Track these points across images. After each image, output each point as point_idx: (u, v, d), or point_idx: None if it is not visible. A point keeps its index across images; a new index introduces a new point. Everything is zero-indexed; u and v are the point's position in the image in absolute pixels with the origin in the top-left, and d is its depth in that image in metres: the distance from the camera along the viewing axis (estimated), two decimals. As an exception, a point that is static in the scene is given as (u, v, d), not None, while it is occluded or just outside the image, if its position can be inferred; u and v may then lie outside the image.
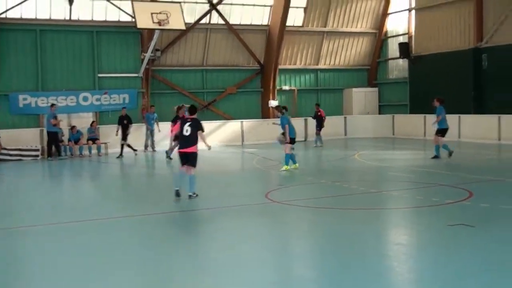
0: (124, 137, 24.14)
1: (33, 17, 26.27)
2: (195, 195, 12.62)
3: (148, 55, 27.20)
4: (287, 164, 17.41)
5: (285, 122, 17.43)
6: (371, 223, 10.16)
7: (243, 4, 30.50)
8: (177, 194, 12.58)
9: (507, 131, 24.76)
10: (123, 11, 27.25)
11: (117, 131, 24.07)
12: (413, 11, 31.75)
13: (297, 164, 17.69)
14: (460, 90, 28.01)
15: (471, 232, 9.10)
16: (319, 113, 26.76)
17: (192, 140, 12.58)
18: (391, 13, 33.52)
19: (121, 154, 23.62)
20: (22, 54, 25.94)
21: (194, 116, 12.99)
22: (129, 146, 24.19)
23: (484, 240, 8.64)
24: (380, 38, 33.93)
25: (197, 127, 12.64)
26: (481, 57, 27.57)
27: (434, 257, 7.83)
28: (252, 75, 31.55)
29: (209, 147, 13.12)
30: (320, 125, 26.57)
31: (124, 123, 24.16)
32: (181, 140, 12.80)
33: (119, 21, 27.83)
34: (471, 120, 26.67)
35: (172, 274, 7.52)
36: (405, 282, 7.05)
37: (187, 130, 12.60)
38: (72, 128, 24.90)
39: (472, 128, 26.40)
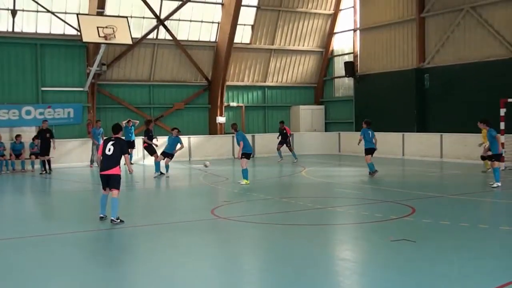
0: (47, 152, 23.05)
1: (-25, 28, 25.62)
2: (118, 220, 11.37)
3: (93, 69, 26.81)
4: (246, 178, 17.90)
5: (240, 139, 18.13)
6: (317, 239, 10.21)
7: (191, 20, 30.49)
8: (101, 219, 11.68)
9: (449, 148, 25.45)
10: (68, 24, 26.78)
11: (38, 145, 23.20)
12: (358, 31, 32.40)
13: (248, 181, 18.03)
14: (404, 108, 28.69)
15: (413, 247, 9.24)
16: (284, 130, 27.29)
17: (114, 161, 11.54)
18: (337, 33, 34.13)
19: (45, 170, 22.68)
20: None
21: (118, 135, 11.97)
22: (49, 163, 23.04)
23: (424, 255, 8.78)
24: (326, 57, 34.47)
25: (120, 148, 11.65)
26: (423, 77, 28.34)
27: (377, 272, 7.93)
28: (200, 91, 31.49)
29: (131, 172, 12.40)
30: (285, 141, 27.19)
31: (46, 136, 23.12)
32: (103, 160, 11.68)
33: (64, 34, 27.36)
34: (415, 138, 27.29)
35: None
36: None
37: (109, 149, 11.60)
38: (17, 137, 24.00)
39: (416, 146, 27.02)
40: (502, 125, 21.02)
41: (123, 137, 12.15)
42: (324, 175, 20.96)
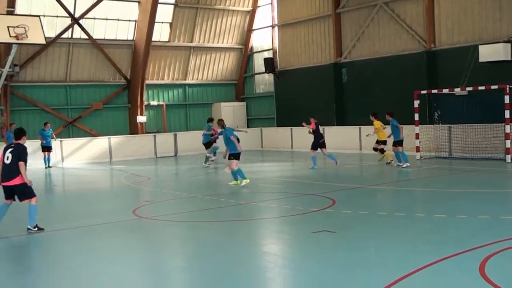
0: None
1: None
2: (36, 228, 10.63)
3: (5, 70, 25.79)
4: (245, 177, 16.16)
5: (231, 134, 16.16)
6: (239, 234, 10.24)
7: (107, 19, 29.88)
8: None
9: (368, 140, 26.08)
10: (-24, 24, 25.61)
11: None
12: (276, 28, 32.72)
13: (238, 182, 16.26)
14: (323, 103, 29.23)
15: (333, 237, 9.42)
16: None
17: (15, 170, 10.44)
18: (255, 29, 34.34)
19: None
20: None
21: (20, 141, 10.81)
22: None
23: (344, 244, 8.97)
24: (246, 54, 34.63)
25: (18, 155, 10.51)
26: (341, 71, 28.97)
27: (299, 264, 8.05)
28: (119, 90, 30.94)
29: (29, 182, 10.68)
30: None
31: None
32: (3, 170, 10.57)
33: (-28, 34, 26.14)
34: (334, 132, 27.82)
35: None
36: (271, 290, 7.16)
37: (8, 157, 10.51)
38: None
39: (335, 139, 27.52)
40: (416, 116, 21.82)
41: (24, 144, 10.77)
42: (247, 171, 20.96)
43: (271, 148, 30.69)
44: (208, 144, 22.73)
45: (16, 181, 10.49)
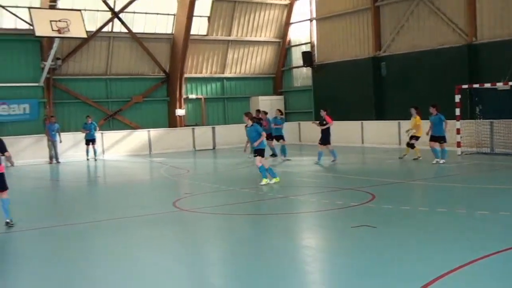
0: None
1: None
2: (12, 223, 10.74)
3: (48, 64, 26.34)
4: (265, 177, 15.28)
5: (261, 130, 15.40)
6: (279, 227, 10.27)
7: (146, 13, 30.18)
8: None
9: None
10: (20, 18, 26.18)
11: None
12: (314, 21, 32.57)
13: (267, 180, 15.35)
14: (362, 97, 29.02)
15: (373, 232, 9.38)
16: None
17: None
18: (293, 23, 34.24)
19: None
20: None
21: None
22: None
23: (384, 240, 8.92)
24: (284, 47, 34.56)
25: None
26: (380, 65, 28.69)
27: (338, 258, 8.03)
28: (158, 83, 31.24)
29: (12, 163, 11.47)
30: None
31: None
32: None
33: (16, 29, 26.75)
34: (373, 126, 27.60)
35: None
36: (310, 283, 7.19)
37: None
38: None
39: (374, 134, 27.35)
40: (457, 111, 21.45)
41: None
42: (285, 165, 21.04)
43: (309, 142, 30.60)
44: (279, 137, 22.26)
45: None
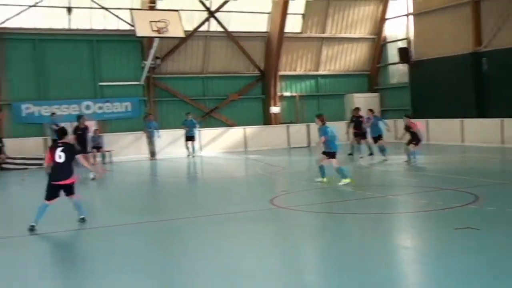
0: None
1: (33, 26, 26.31)
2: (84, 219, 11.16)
3: (148, 63, 27.25)
4: (323, 176, 15.45)
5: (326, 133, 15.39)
6: (377, 227, 10.13)
7: (242, 12, 30.56)
8: (32, 229, 10.54)
9: (510, 134, 24.70)
10: (121, 19, 27.29)
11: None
12: (411, 16, 31.80)
13: (325, 179, 15.41)
14: (462, 94, 28.01)
15: (478, 235, 9.05)
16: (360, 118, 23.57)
17: (69, 168, 10.93)
18: (389, 19, 33.57)
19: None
20: (24, 63, 26.01)
21: (65, 140, 11.28)
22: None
23: (488, 243, 8.60)
24: (379, 44, 33.97)
25: (70, 152, 11.02)
26: (480, 61, 27.59)
27: (440, 261, 7.80)
28: (253, 81, 31.56)
29: (100, 176, 11.85)
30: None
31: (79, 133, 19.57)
32: (55, 169, 10.89)
33: (118, 30, 27.87)
34: (474, 124, 26.56)
35: (176, 279, 7.49)
36: (410, 286, 7.08)
37: (60, 156, 10.83)
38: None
39: (475, 132, 26.32)
40: None
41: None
42: (381, 163, 20.70)
43: (406, 139, 29.89)
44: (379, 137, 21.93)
45: (70, 180, 10.95)
